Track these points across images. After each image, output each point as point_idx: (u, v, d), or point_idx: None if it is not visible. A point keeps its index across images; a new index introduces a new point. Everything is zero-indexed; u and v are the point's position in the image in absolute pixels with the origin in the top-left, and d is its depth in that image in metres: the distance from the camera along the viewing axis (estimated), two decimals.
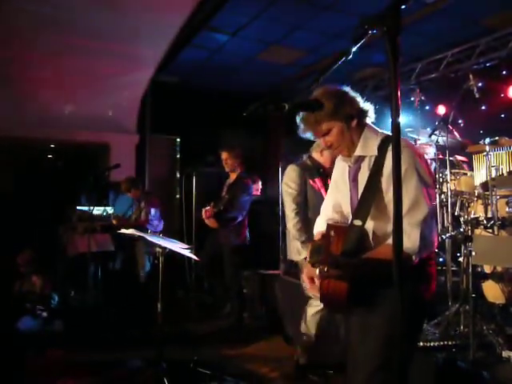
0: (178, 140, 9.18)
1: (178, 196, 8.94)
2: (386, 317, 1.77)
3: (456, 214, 4.24)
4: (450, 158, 4.41)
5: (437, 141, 4.44)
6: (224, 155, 4.73)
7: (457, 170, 4.45)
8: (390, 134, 1.96)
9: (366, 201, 1.89)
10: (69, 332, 4.73)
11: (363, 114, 2.01)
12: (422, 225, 1.79)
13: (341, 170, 2.15)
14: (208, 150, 7.59)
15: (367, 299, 1.84)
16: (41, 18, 5.52)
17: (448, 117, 4.53)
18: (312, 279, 1.96)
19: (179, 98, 8.45)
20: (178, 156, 9.17)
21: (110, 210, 5.13)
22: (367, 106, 2.03)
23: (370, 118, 2.04)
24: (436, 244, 1.92)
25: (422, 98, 6.18)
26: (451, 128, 4.60)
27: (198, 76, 8.38)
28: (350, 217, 2.02)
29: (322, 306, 3.05)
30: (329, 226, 1.97)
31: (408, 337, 1.85)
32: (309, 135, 2.04)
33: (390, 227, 1.86)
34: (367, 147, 1.97)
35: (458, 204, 4.26)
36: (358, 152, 2.00)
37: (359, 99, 2.02)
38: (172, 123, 8.44)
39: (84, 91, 7.29)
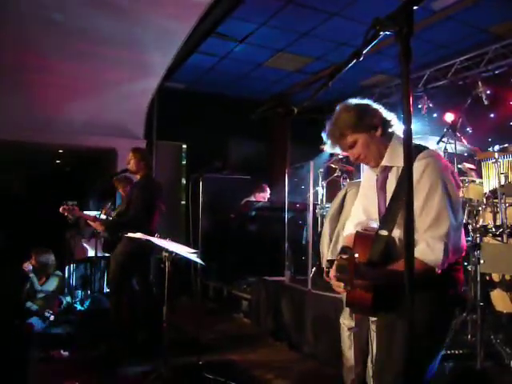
0: (184, 146, 9.22)
1: (183, 202, 8.96)
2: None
3: (464, 221, 4.20)
4: (459, 166, 4.39)
5: (445, 148, 4.42)
6: (129, 155, 4.67)
7: (465, 178, 4.42)
8: (417, 143, 2.04)
9: (392, 211, 1.92)
10: (75, 334, 4.74)
11: (387, 123, 2.04)
12: (446, 238, 1.81)
13: (369, 178, 2.18)
14: (214, 155, 7.60)
15: (392, 305, 1.85)
16: (50, 25, 5.56)
17: (456, 124, 4.50)
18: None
19: (186, 104, 8.49)
20: (184, 162, 9.20)
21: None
22: (390, 116, 2.07)
23: (395, 127, 2.06)
24: (464, 249, 1.94)
25: (430, 105, 6.16)
26: (459, 135, 4.58)
27: (204, 82, 8.42)
28: (378, 224, 2.05)
29: (353, 322, 3.07)
30: (357, 234, 2.01)
31: (434, 340, 1.93)
32: (337, 150, 2.10)
33: (416, 237, 1.85)
34: (394, 157, 1.99)
35: (466, 212, 4.23)
36: (384, 162, 2.03)
37: (382, 110, 2.06)
38: (178, 129, 8.48)
39: (92, 97, 7.33)
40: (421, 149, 1.96)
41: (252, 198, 7.40)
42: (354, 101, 2.07)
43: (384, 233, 1.91)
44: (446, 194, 1.85)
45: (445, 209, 1.84)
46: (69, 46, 6.10)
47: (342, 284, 1.80)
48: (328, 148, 2.10)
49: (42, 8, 5.25)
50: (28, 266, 5.39)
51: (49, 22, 5.50)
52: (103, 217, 4.80)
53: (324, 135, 2.06)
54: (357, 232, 2.04)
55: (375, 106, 2.06)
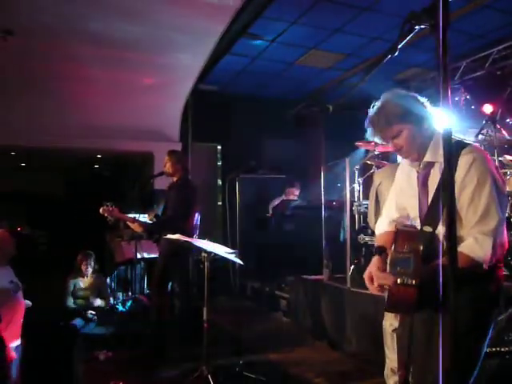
0: (219, 147, 9.30)
1: (219, 203, 9.04)
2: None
3: (506, 215, 4.08)
4: (499, 158, 4.26)
5: (484, 140, 4.30)
6: (165, 158, 4.72)
7: (506, 170, 4.29)
8: (460, 139, 2.00)
9: (437, 207, 1.87)
10: (117, 335, 4.85)
11: (433, 117, 1.99)
12: (494, 233, 1.78)
13: (406, 174, 2.14)
14: (249, 156, 7.64)
15: (433, 301, 1.83)
16: (84, 33, 5.72)
17: (495, 115, 4.38)
18: (372, 280, 1.96)
19: (219, 105, 8.56)
20: (219, 163, 9.28)
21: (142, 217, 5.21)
22: (436, 111, 2.01)
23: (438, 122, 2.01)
24: (506, 247, 1.89)
25: (467, 97, 6.01)
26: (499, 127, 4.45)
27: (237, 83, 8.47)
28: (418, 221, 2.01)
29: (396, 322, 3.01)
30: (398, 231, 1.96)
31: (477, 338, 1.90)
32: (377, 138, 2.04)
33: (461, 233, 1.83)
34: (437, 153, 1.95)
35: (508, 205, 4.10)
36: (427, 158, 1.98)
37: (428, 103, 2.02)
38: (213, 131, 8.56)
39: (128, 102, 7.49)
40: (464, 144, 1.93)
41: (283, 197, 7.40)
42: (401, 91, 2.03)
43: (428, 229, 1.87)
44: (494, 188, 1.82)
45: (493, 203, 1.80)
46: (104, 54, 6.27)
47: (389, 280, 1.78)
48: (368, 136, 2.05)
49: (77, 18, 5.40)
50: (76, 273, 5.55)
51: (82, 31, 5.66)
52: (143, 219, 4.89)
53: (366, 122, 2.01)
54: (398, 229, 1.99)
55: (423, 99, 2.02)
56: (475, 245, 1.77)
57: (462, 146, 1.91)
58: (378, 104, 2.00)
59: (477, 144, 2.08)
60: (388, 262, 1.82)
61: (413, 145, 1.98)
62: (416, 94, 2.04)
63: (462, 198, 1.83)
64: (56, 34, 5.71)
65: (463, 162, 1.84)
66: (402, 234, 1.95)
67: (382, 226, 2.22)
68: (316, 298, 5.10)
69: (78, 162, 10.21)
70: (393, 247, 1.93)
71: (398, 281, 1.71)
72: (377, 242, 2.22)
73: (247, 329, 5.07)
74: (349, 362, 4.18)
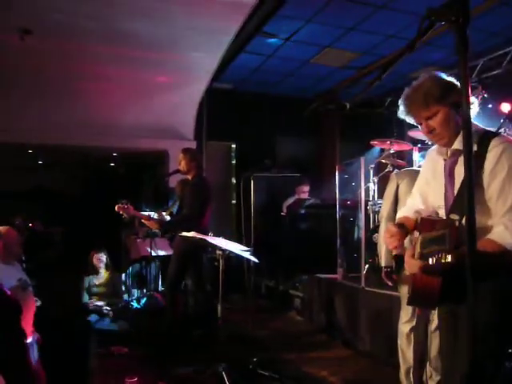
0: (234, 146, 9.31)
1: (233, 201, 9.05)
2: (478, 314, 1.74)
3: None
4: None
5: None
6: (180, 156, 4.72)
7: None
8: (488, 129, 1.97)
9: (464, 195, 1.86)
10: (132, 331, 4.89)
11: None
12: None
13: (433, 163, 2.11)
14: (263, 154, 7.65)
15: (459, 293, 1.81)
16: (100, 32, 5.76)
17: None
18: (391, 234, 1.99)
19: (234, 104, 8.58)
20: (234, 161, 9.29)
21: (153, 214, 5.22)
22: (473, 99, 1.99)
23: (474, 112, 1.98)
24: None
25: (485, 95, 5.92)
26: None
27: (252, 82, 8.47)
28: (442, 211, 1.99)
29: (413, 322, 2.98)
30: (423, 220, 1.93)
31: (500, 339, 1.85)
32: (409, 117, 2.00)
33: (489, 222, 1.82)
34: None
35: None
36: (456, 145, 1.95)
37: None
38: (227, 129, 8.58)
39: (143, 101, 7.55)
40: (494, 134, 1.92)
41: (297, 196, 7.39)
42: (442, 73, 1.99)
43: (455, 217, 1.83)
44: None
45: None
46: (119, 53, 6.31)
47: (415, 264, 1.75)
48: (400, 114, 2.00)
49: (94, 18, 5.45)
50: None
51: (100, 31, 5.71)
52: (157, 217, 4.93)
53: (402, 99, 1.97)
54: (422, 217, 1.96)
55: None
56: (505, 232, 1.74)
57: (491, 136, 1.89)
58: (416, 82, 1.97)
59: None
60: (418, 244, 1.77)
61: (446, 128, 1.93)
62: (455, 79, 1.97)
63: (492, 187, 1.81)
64: (72, 34, 5.76)
65: (493, 151, 1.83)
66: (427, 221, 1.91)
67: (406, 211, 2.20)
68: (330, 296, 5.10)
69: (93, 160, 10.31)
70: (418, 233, 1.89)
71: (430, 261, 1.65)
72: (398, 221, 2.19)
73: (261, 327, 5.09)
74: (363, 361, 4.17)
